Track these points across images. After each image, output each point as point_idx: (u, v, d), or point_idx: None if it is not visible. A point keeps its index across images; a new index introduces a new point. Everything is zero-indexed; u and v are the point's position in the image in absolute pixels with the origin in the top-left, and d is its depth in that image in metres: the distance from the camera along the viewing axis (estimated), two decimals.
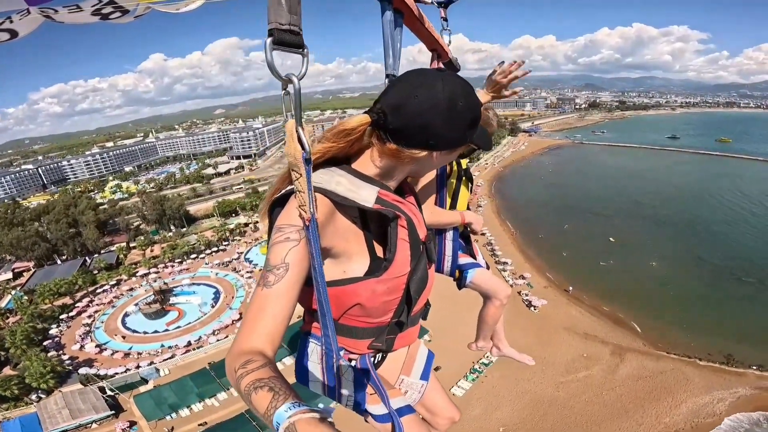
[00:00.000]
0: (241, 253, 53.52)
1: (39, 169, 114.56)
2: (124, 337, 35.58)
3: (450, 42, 1.99)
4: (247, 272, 46.67)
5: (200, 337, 33.96)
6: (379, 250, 1.15)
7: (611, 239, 46.75)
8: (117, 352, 33.36)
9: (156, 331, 35.65)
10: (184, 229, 66.73)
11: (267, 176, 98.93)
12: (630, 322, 31.55)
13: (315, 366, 1.27)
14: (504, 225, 52.63)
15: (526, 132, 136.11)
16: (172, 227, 67.86)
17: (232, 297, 40.94)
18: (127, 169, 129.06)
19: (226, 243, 58.56)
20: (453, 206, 2.38)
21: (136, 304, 40.23)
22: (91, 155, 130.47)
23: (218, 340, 33.10)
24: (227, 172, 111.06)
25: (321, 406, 1.09)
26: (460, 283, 2.44)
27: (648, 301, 33.23)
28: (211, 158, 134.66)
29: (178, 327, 36.17)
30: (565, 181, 75.66)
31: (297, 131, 0.85)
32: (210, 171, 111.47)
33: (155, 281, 45.07)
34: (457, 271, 2.41)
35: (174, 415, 26.16)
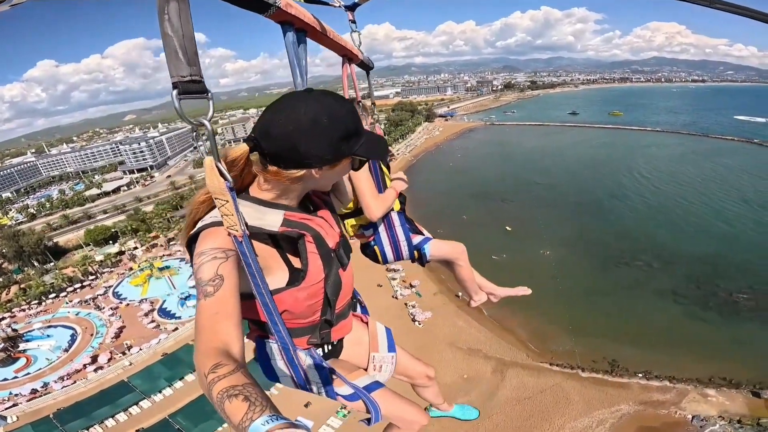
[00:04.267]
0: (110, 287, 46.55)
1: None
2: None
3: (360, 43, 2.09)
4: (111, 308, 41.17)
5: (46, 384, 31.07)
6: (295, 261, 1.26)
7: (507, 228, 45.29)
8: None
9: (5, 379, 33.13)
10: (51, 264, 56.25)
11: (159, 191, 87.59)
12: (515, 329, 29.29)
13: (278, 362, 1.35)
14: None
15: (442, 117, 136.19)
16: (35, 263, 56.87)
17: (91, 335, 37.27)
18: (5, 195, 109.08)
19: (93, 277, 49.59)
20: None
21: None
22: None
23: (64, 387, 30.09)
24: (116, 191, 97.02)
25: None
26: (422, 261, 2.54)
27: (536, 300, 30.84)
28: (106, 174, 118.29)
29: (28, 374, 33.37)
30: (470, 166, 74.91)
31: (217, 166, 0.95)
32: (95, 191, 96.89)
33: (9, 327, 39.56)
34: (415, 252, 2.52)
35: None
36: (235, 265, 1.03)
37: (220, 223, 1.05)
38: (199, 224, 1.12)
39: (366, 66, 2.33)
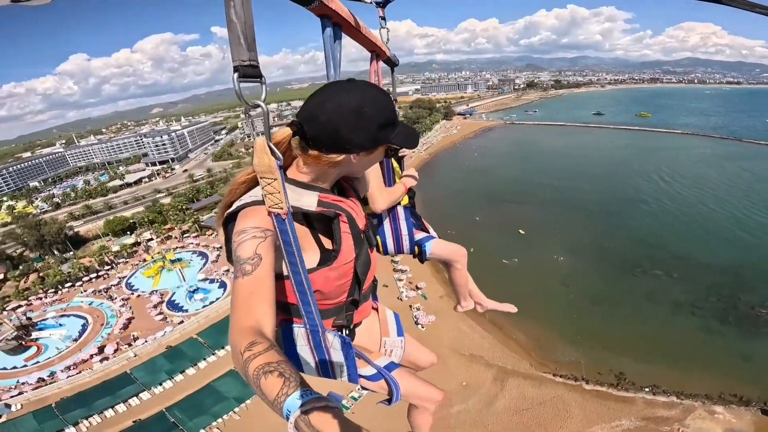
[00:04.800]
0: (123, 278, 47.46)
1: None
2: None
3: (388, 39, 2.10)
4: (122, 299, 41.86)
5: (53, 373, 31.44)
6: (326, 242, 1.32)
7: (521, 231, 43.69)
8: None
9: (15, 367, 33.74)
10: (71, 253, 58.01)
11: (177, 184, 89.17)
12: (520, 337, 28.08)
13: (303, 348, 1.33)
14: None
15: (461, 115, 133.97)
16: (55, 252, 58.77)
17: (101, 325, 37.73)
18: (32, 184, 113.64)
19: (109, 267, 50.74)
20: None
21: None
22: None
23: (69, 377, 30.44)
24: (138, 182, 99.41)
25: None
26: (422, 257, 2.58)
27: (545, 307, 29.62)
28: (129, 165, 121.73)
29: (37, 362, 33.82)
30: (487, 166, 73.10)
31: (269, 145, 1.00)
32: (117, 182, 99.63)
33: (24, 315, 40.51)
34: (416, 247, 2.56)
35: None
36: (273, 245, 1.06)
37: (259, 203, 1.09)
38: (237, 203, 1.16)
39: (391, 62, 2.36)
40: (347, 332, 1.50)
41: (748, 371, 23.99)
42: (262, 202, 1.07)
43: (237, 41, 0.90)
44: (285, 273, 1.16)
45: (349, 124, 1.12)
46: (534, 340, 27.91)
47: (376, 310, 1.85)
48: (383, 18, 2.05)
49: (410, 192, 2.56)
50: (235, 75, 0.90)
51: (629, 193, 53.84)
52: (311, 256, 1.27)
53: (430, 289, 34.39)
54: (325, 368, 1.36)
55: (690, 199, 51.51)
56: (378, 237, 2.52)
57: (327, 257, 1.28)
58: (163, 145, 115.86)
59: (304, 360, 1.35)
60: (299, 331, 1.32)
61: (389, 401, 1.58)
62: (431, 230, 2.71)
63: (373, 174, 2.18)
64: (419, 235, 2.59)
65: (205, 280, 43.11)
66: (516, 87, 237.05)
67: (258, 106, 0.95)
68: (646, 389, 23.56)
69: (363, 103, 1.13)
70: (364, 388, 1.58)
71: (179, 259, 48.64)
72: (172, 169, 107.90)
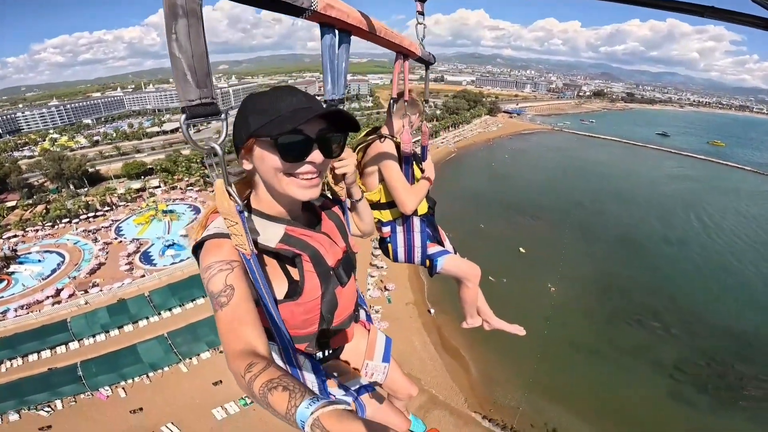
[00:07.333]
0: (117, 221, 47.93)
1: None
2: None
3: (424, 36, 1.98)
4: (105, 242, 41.91)
5: (6, 311, 30.73)
6: (294, 272, 1.26)
7: (521, 249, 38.74)
8: None
9: None
10: (85, 189, 60.17)
11: (204, 138, 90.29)
12: (469, 366, 24.32)
13: (278, 361, 1.33)
14: None
15: (507, 113, 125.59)
16: (71, 187, 61.25)
17: (75, 266, 37.49)
18: (86, 121, 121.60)
19: (108, 209, 51.65)
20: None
21: None
22: (46, 108, 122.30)
23: (17, 316, 29.81)
24: (174, 131, 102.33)
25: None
26: (431, 271, 2.61)
27: (513, 340, 25.14)
28: (174, 115, 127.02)
29: (1, 297, 33.24)
30: (514, 171, 66.89)
31: (227, 190, 0.98)
32: (155, 129, 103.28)
33: (10, 248, 40.62)
34: (427, 260, 2.58)
35: None
36: (242, 272, 1.04)
37: (224, 235, 1.07)
38: (204, 233, 1.11)
39: (425, 61, 2.22)
40: (329, 351, 1.53)
41: None
42: (227, 234, 1.05)
43: (183, 78, 0.78)
44: (256, 298, 1.11)
45: (236, 120, 1.09)
46: (483, 374, 24.12)
47: (369, 330, 1.83)
48: (421, 13, 1.87)
49: (430, 200, 2.57)
50: (182, 118, 0.80)
51: (663, 231, 46.36)
52: (279, 287, 1.22)
53: (398, 293, 31.08)
54: (300, 381, 1.18)
55: (722, 249, 43.38)
56: (390, 244, 2.59)
57: (293, 291, 1.23)
58: None
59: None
60: (274, 347, 1.28)
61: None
62: (447, 242, 2.75)
63: (397, 176, 2.25)
64: (433, 249, 2.61)
65: (186, 236, 42.25)
66: (580, 94, 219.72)
67: (212, 149, 0.88)
68: None
69: (250, 96, 1.10)
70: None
71: (171, 211, 48.31)
72: (208, 124, 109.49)
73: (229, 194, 0.97)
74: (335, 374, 1.54)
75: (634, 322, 28.89)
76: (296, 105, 1.08)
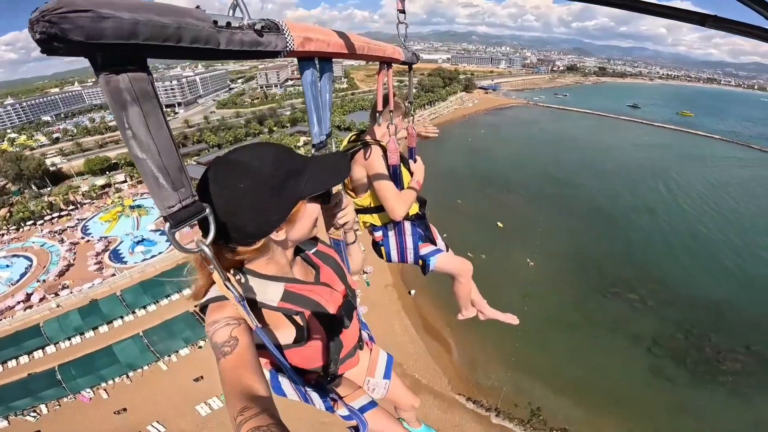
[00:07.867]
0: (83, 220, 45.62)
1: None
2: None
3: (406, 36, 1.84)
4: (72, 243, 39.76)
5: None
6: (298, 318, 1.27)
7: (499, 224, 39.05)
8: None
9: None
10: (48, 189, 56.97)
11: (176, 126, 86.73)
12: (451, 348, 24.54)
13: (286, 385, 1.43)
14: None
15: (483, 89, 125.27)
16: (33, 187, 57.92)
17: (43, 268, 35.70)
18: (45, 118, 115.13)
19: (73, 208, 49.16)
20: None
21: None
22: (2, 107, 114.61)
23: None
24: None
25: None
26: (425, 270, 2.64)
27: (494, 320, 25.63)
28: None
29: None
30: (489, 146, 66.87)
31: (225, 285, 0.95)
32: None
33: None
34: (420, 260, 2.61)
35: None
36: (247, 329, 1.03)
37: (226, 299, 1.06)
38: (208, 295, 1.08)
39: (408, 63, 2.04)
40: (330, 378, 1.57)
41: (678, 425, 20.28)
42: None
43: (155, 183, 0.67)
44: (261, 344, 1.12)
45: (235, 211, 0.97)
46: (465, 355, 24.29)
47: (371, 349, 1.89)
48: (402, 11, 1.69)
49: (420, 199, 2.54)
50: (167, 226, 0.73)
51: (635, 201, 47.39)
52: (287, 334, 1.23)
53: (376, 276, 30.77)
54: (306, 401, 1.46)
55: (691, 217, 44.64)
56: (383, 248, 2.62)
57: (300, 337, 1.24)
58: (172, 89, 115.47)
59: (289, 392, 1.45)
60: (284, 380, 1.41)
61: (356, 430, 1.60)
62: (439, 241, 2.73)
63: (386, 185, 2.24)
64: (425, 249, 2.61)
65: (156, 231, 40.64)
66: (554, 69, 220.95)
67: (202, 251, 0.83)
68: (557, 431, 20.01)
69: (234, 182, 0.97)
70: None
71: (140, 206, 46.25)
72: (175, 113, 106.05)
73: (228, 288, 0.95)
74: (339, 393, 1.57)
75: (611, 295, 29.46)
76: (289, 159, 1.07)
